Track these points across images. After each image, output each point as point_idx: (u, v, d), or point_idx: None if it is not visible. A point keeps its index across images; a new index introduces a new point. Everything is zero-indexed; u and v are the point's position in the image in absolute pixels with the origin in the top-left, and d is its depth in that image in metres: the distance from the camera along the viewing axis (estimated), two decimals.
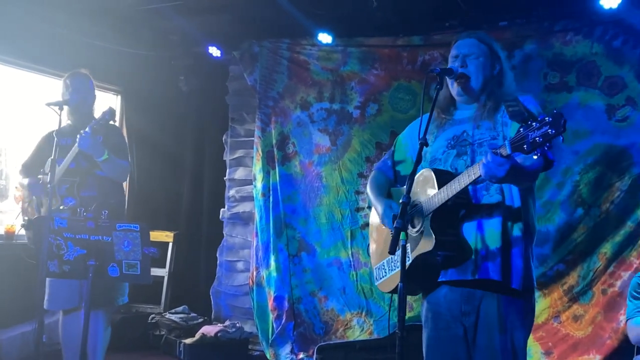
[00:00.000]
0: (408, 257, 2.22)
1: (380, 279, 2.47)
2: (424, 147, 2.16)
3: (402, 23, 4.68)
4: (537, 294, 4.14)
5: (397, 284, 2.25)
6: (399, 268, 2.23)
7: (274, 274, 5.01)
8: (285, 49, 5.19)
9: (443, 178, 2.18)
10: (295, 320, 4.90)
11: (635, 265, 3.90)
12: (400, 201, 2.07)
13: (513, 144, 1.87)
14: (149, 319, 5.32)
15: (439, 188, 2.17)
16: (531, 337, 4.10)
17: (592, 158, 4.15)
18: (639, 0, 3.98)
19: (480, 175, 2.00)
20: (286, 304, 4.94)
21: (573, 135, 4.20)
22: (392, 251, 1.99)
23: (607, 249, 4.05)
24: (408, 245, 2.22)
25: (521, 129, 1.84)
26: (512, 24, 4.46)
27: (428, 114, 2.26)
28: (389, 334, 4.37)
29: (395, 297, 2.33)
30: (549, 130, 1.77)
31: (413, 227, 2.26)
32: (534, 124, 1.81)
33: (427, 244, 2.18)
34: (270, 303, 5.01)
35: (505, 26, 4.48)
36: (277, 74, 5.23)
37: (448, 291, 2.29)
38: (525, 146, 1.82)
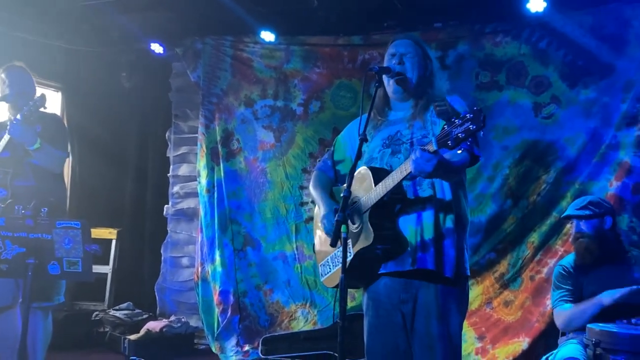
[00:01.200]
0: (350, 252, 2.28)
1: (325, 275, 2.51)
2: (364, 142, 2.23)
3: (342, 23, 4.73)
4: (470, 281, 4.30)
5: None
6: None
7: (219, 268, 4.98)
8: (228, 46, 5.15)
9: (379, 175, 2.25)
10: (241, 313, 4.89)
11: (560, 253, 4.08)
12: (342, 195, 2.11)
13: (439, 141, 1.94)
14: (93, 316, 5.19)
15: (375, 184, 2.23)
16: (466, 322, 4.23)
17: (521, 153, 4.32)
18: (561, 6, 4.16)
19: (410, 172, 2.06)
20: (231, 298, 4.92)
21: (503, 132, 4.36)
22: (333, 244, 2.04)
23: (534, 238, 4.23)
24: (349, 240, 2.29)
25: (445, 126, 1.92)
26: (446, 25, 4.59)
27: (367, 112, 2.34)
28: (332, 324, 4.42)
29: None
30: (470, 126, 1.85)
31: (353, 223, 2.31)
32: (456, 120, 1.89)
33: (366, 239, 2.24)
34: (216, 297, 4.98)
35: (440, 27, 4.60)
36: (221, 71, 5.18)
37: (388, 281, 2.35)
38: (449, 142, 1.90)
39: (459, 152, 1.89)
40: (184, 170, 5.52)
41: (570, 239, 4.01)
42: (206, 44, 5.17)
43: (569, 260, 3.17)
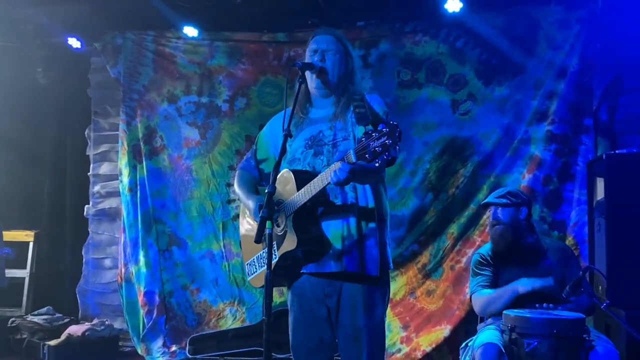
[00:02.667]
0: (275, 254, 2.28)
1: (252, 274, 2.48)
2: (288, 138, 2.20)
3: (267, 19, 4.68)
4: (394, 272, 4.39)
5: None
6: None
7: (144, 269, 4.81)
8: (150, 41, 4.97)
9: (302, 178, 2.24)
10: (167, 314, 4.75)
11: (477, 243, 4.21)
12: (266, 191, 2.08)
13: (357, 153, 1.95)
14: (9, 322, 4.87)
15: (298, 188, 2.22)
16: (391, 313, 4.33)
17: (440, 148, 4.42)
18: (476, 7, 4.28)
19: (330, 182, 2.08)
20: (157, 298, 4.77)
21: (423, 128, 4.45)
22: (258, 240, 2.01)
23: (454, 229, 4.35)
24: (275, 243, 2.28)
25: (363, 139, 1.93)
26: (368, 24, 4.62)
27: (291, 107, 2.33)
28: (261, 321, 4.36)
29: None
30: (387, 141, 1.86)
31: (278, 226, 2.30)
32: (374, 134, 1.90)
33: (290, 243, 2.22)
34: (141, 299, 4.81)
35: (362, 26, 4.63)
36: (142, 66, 4.99)
37: (312, 277, 2.34)
38: (367, 155, 1.91)
39: (377, 164, 1.91)
40: (104, 169, 5.28)
41: (487, 229, 4.17)
42: (127, 38, 4.96)
43: (486, 248, 3.26)
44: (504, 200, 3.15)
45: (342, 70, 2.39)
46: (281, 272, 2.32)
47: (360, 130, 2.21)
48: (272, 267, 2.26)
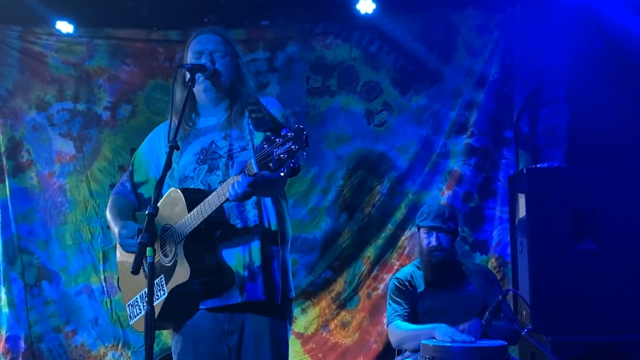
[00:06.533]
0: (163, 290, 2.21)
1: (135, 316, 2.39)
2: (175, 150, 2.14)
3: (157, 15, 4.58)
4: (306, 303, 4.39)
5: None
6: (155, 302, 2.20)
7: (6, 309, 4.53)
8: (15, 38, 4.73)
9: (193, 198, 2.18)
10: None
11: (396, 267, 4.30)
12: (146, 212, 2.00)
13: (259, 162, 1.92)
14: None
15: (189, 209, 2.15)
16: (302, 349, 4.32)
17: (354, 163, 4.50)
18: (390, 9, 4.41)
19: (228, 198, 2.03)
20: (22, 344, 4.50)
21: (336, 140, 4.52)
22: (135, 271, 1.92)
23: (370, 252, 4.41)
24: (162, 276, 2.22)
25: (265, 145, 1.90)
26: (274, 24, 4.64)
27: (177, 116, 2.28)
28: None
29: None
30: (293, 147, 1.85)
31: (166, 256, 2.23)
32: (277, 140, 1.88)
33: (182, 274, 2.16)
34: (2, 345, 4.51)
35: (267, 26, 4.65)
36: (6, 67, 4.74)
37: (207, 313, 2.29)
38: (271, 164, 1.88)
39: (282, 174, 1.88)
40: None
41: (406, 252, 4.28)
42: None
43: (404, 272, 3.34)
44: (452, 226, 3.23)
45: (234, 73, 2.39)
46: (172, 312, 2.25)
47: (259, 137, 2.20)
48: (161, 304, 2.19)
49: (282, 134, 1.87)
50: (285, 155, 1.85)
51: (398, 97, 4.49)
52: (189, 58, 2.39)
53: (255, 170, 1.93)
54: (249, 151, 2.28)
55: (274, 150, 1.87)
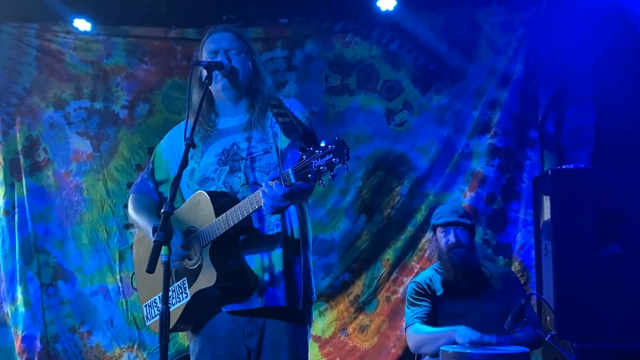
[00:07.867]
0: (186, 293, 2.23)
1: (153, 317, 2.43)
2: (192, 148, 2.16)
3: (174, 13, 4.61)
4: (324, 307, 4.38)
5: (174, 323, 2.21)
6: (176, 304, 2.24)
7: (22, 309, 4.57)
8: (33, 36, 4.79)
9: (219, 202, 2.20)
10: None
11: (416, 270, 4.28)
12: (162, 211, 2.01)
13: (297, 174, 1.94)
14: None
15: (217, 214, 2.17)
16: (319, 353, 4.32)
17: (374, 163, 4.48)
18: (412, 5, 4.40)
19: (262, 208, 2.06)
20: (38, 344, 4.53)
21: (355, 140, 4.49)
22: (150, 269, 1.92)
23: (389, 255, 4.39)
24: (184, 279, 2.24)
25: (304, 157, 1.92)
26: (292, 22, 4.65)
27: (195, 114, 2.28)
28: None
29: None
30: (333, 159, 1.87)
31: (190, 259, 2.25)
32: (317, 151, 1.89)
33: (207, 279, 2.18)
34: (18, 345, 4.56)
35: (286, 24, 4.65)
36: (23, 65, 4.79)
37: (226, 315, 2.31)
38: (309, 175, 1.90)
39: (322, 186, 1.92)
40: None
41: (426, 255, 4.25)
42: (3, 32, 4.75)
43: (423, 277, 3.31)
44: (467, 221, 3.20)
45: (251, 71, 2.40)
46: (195, 315, 2.28)
47: (284, 141, 2.23)
48: (183, 307, 2.21)
49: (322, 145, 1.89)
50: (325, 168, 1.87)
51: (419, 96, 4.47)
52: (204, 57, 2.39)
53: (292, 180, 1.96)
54: (272, 155, 2.30)
55: (313, 161, 1.89)
